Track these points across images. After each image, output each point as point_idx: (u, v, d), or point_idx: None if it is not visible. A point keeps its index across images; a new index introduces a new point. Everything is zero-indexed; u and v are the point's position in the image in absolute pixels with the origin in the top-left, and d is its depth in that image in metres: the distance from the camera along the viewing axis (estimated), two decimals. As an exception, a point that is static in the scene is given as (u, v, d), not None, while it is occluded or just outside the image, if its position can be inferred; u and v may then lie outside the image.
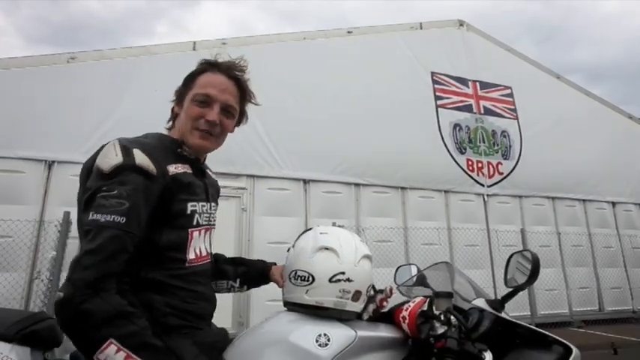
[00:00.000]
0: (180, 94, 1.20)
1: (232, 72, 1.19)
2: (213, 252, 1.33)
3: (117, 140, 1.03)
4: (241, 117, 1.28)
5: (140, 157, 0.99)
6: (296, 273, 1.22)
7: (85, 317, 0.86)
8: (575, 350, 1.10)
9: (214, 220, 1.25)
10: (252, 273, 1.45)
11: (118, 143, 1.01)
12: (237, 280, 1.42)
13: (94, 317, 0.86)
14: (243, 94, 1.23)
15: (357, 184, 6.58)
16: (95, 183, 0.97)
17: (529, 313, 6.63)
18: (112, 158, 0.98)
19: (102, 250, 0.89)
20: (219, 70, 1.17)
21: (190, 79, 1.19)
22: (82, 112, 5.30)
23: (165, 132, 1.24)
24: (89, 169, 1.03)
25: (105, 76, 5.54)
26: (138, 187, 0.97)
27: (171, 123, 1.24)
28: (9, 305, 4.41)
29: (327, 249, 1.21)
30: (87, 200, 0.97)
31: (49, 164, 5.09)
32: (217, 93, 1.15)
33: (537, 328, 1.21)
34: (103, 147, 1.04)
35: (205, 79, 1.16)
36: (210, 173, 1.32)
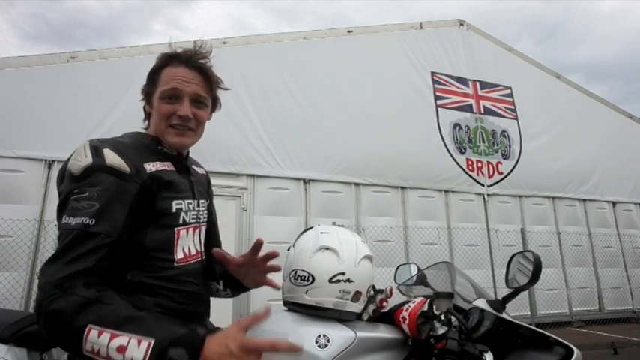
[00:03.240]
0: (148, 93, 1.17)
1: (194, 61, 1.14)
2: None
3: (88, 141, 1.01)
4: (214, 104, 1.24)
5: (111, 157, 0.97)
6: (296, 272, 1.21)
7: (57, 316, 0.83)
8: (576, 351, 1.09)
9: (204, 218, 1.22)
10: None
11: (89, 144, 0.99)
12: (220, 282, 1.34)
13: (65, 313, 0.83)
14: (210, 81, 1.18)
15: (357, 184, 6.58)
16: (67, 186, 0.96)
17: (529, 313, 6.62)
18: (81, 160, 0.96)
19: (66, 253, 0.87)
20: (180, 62, 1.13)
21: (153, 75, 1.16)
22: (82, 112, 5.29)
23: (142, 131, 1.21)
24: (63, 174, 1.01)
25: (105, 76, 5.53)
26: (109, 187, 0.94)
27: (147, 122, 1.21)
28: (9, 305, 4.41)
29: (327, 249, 1.20)
30: (60, 204, 0.95)
31: (49, 164, 5.09)
32: (183, 86, 1.11)
33: (538, 329, 1.20)
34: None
35: (168, 74, 1.12)
36: (196, 169, 1.28)
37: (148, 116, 1.21)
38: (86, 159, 0.96)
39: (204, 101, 1.17)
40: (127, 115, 5.33)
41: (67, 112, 5.24)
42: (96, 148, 0.98)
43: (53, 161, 5.10)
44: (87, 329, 0.82)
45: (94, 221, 0.90)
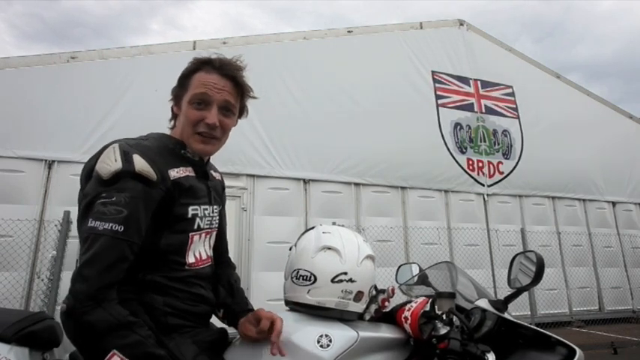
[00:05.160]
0: (177, 95, 1.17)
1: (227, 70, 1.14)
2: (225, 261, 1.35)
3: (117, 144, 1.01)
4: (242, 112, 1.25)
5: (140, 164, 0.98)
6: (298, 272, 1.20)
7: (88, 329, 0.87)
8: (578, 351, 1.09)
9: (216, 223, 1.24)
10: (231, 309, 1.25)
11: (118, 148, 0.99)
12: (221, 310, 1.26)
13: (97, 328, 0.87)
14: (241, 90, 1.18)
15: (357, 184, 6.57)
16: (94, 189, 0.96)
17: (529, 313, 6.62)
18: (111, 164, 0.97)
19: (100, 260, 0.90)
20: (213, 68, 1.13)
21: (184, 79, 1.15)
22: (82, 112, 5.28)
23: (167, 132, 1.21)
24: (89, 172, 1.02)
25: (105, 76, 5.52)
26: (137, 195, 0.96)
27: (172, 122, 1.22)
28: (9, 305, 4.40)
29: (329, 249, 1.20)
30: (86, 206, 0.96)
31: (49, 164, 5.08)
32: (214, 92, 1.11)
33: (540, 329, 1.20)
34: (104, 148, 1.02)
35: (199, 79, 1.12)
36: (214, 174, 1.29)
37: (174, 117, 1.21)
38: (115, 163, 0.96)
39: (232, 109, 1.18)
40: (127, 115, 5.34)
41: (67, 112, 5.24)
42: (126, 153, 0.98)
43: (53, 161, 5.09)
44: (111, 353, 0.87)
45: (122, 228, 0.92)
